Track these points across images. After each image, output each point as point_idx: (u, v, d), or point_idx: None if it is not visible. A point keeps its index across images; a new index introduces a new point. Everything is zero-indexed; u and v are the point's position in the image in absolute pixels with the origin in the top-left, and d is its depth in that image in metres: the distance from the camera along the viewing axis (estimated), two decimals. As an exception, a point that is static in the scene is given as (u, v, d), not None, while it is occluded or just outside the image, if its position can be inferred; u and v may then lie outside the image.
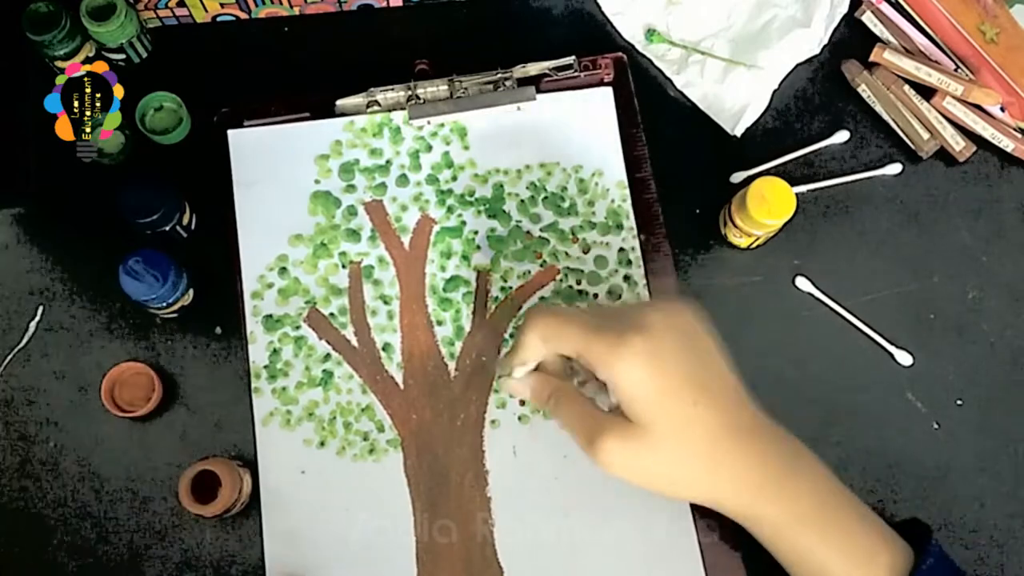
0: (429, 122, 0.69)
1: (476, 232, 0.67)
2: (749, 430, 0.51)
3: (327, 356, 0.64)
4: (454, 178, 0.68)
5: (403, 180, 0.68)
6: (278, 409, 0.63)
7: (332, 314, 0.65)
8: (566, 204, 0.68)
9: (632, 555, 0.61)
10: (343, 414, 0.63)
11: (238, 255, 0.66)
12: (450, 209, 0.68)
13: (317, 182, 0.68)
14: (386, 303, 0.66)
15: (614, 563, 0.61)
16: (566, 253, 0.67)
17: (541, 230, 0.67)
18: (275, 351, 0.64)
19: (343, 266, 0.66)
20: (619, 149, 0.69)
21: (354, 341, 0.65)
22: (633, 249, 0.67)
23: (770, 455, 0.51)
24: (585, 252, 0.67)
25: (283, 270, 0.66)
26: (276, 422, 0.63)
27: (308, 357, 0.64)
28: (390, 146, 0.69)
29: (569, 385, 0.55)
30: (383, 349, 0.65)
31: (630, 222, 0.68)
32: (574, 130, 0.69)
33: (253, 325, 0.65)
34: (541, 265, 0.67)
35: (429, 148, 0.69)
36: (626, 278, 0.67)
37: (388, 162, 0.68)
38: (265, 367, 0.64)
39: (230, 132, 0.68)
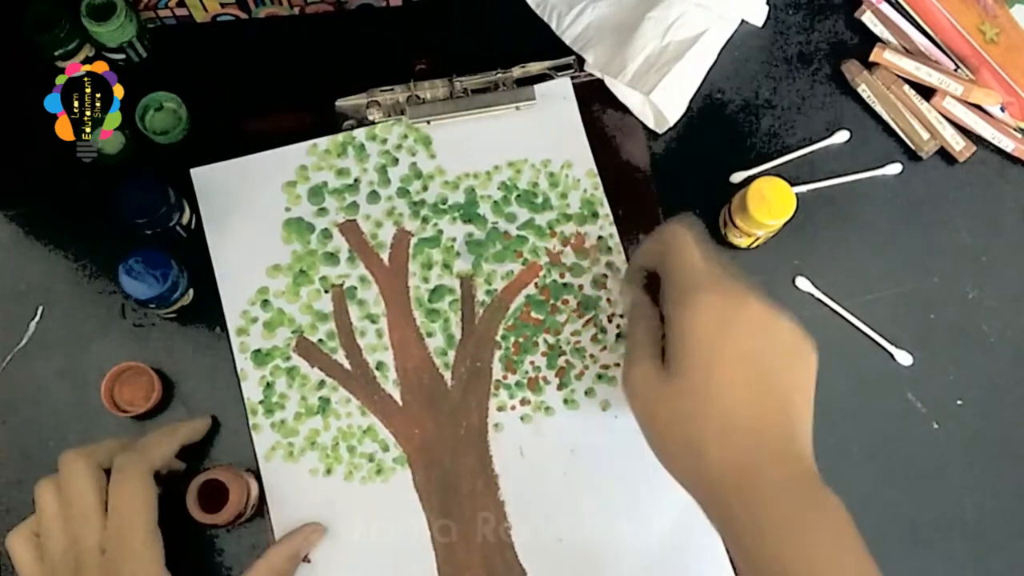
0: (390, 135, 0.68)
1: (454, 239, 0.67)
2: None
3: (321, 383, 0.64)
4: (425, 188, 0.68)
5: (374, 197, 0.68)
6: (279, 443, 0.63)
7: (321, 340, 0.65)
8: (539, 200, 0.68)
9: (652, 545, 0.61)
10: (345, 439, 0.63)
11: (217, 293, 0.65)
12: (425, 220, 0.67)
13: (288, 209, 0.67)
14: (373, 322, 0.65)
15: (634, 555, 0.61)
16: (546, 248, 0.67)
17: (518, 229, 0.67)
18: (268, 385, 0.64)
19: (325, 290, 0.66)
20: (584, 138, 0.69)
21: (346, 364, 0.65)
22: (611, 236, 0.67)
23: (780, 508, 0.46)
24: (565, 245, 0.67)
25: (265, 302, 0.65)
26: (279, 456, 0.63)
27: (302, 387, 0.64)
28: (356, 164, 0.68)
29: (648, 303, 0.54)
30: (377, 368, 0.65)
31: (605, 209, 0.68)
32: (537, 124, 0.69)
33: (242, 362, 0.64)
34: (523, 263, 0.67)
35: (396, 161, 0.68)
36: (608, 265, 0.67)
37: (356, 180, 0.68)
38: (260, 402, 0.64)
39: (193, 171, 0.67)
